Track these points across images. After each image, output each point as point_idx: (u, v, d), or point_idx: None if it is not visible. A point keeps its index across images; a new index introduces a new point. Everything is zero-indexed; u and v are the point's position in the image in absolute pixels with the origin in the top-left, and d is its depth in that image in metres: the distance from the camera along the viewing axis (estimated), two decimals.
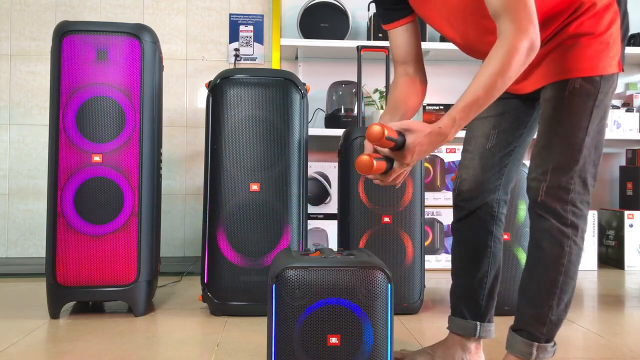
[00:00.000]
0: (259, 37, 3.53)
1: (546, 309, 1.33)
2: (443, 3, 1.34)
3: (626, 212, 3.31)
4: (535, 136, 1.38)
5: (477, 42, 1.38)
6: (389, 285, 1.31)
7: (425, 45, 3.21)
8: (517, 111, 1.46)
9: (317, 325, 1.29)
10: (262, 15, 3.54)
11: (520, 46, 1.13)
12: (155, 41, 2.19)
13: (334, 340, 1.30)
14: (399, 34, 1.46)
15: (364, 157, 1.13)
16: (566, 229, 1.30)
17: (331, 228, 3.14)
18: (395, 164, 1.17)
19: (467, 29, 1.36)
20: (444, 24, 1.41)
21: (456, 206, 1.54)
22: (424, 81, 1.49)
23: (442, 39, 3.29)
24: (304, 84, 2.26)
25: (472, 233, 1.51)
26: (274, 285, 1.30)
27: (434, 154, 3.23)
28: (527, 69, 1.27)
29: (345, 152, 2.23)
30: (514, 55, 1.13)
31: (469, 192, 1.49)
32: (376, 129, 1.10)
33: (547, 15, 1.28)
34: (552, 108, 1.30)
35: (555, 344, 1.38)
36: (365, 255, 1.43)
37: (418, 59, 1.48)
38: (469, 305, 1.53)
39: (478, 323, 1.53)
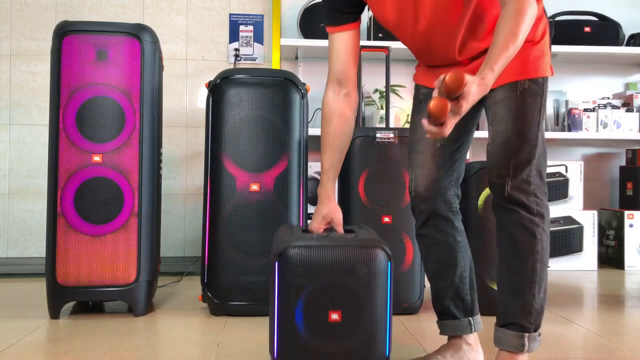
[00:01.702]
0: (259, 37, 3.54)
1: (530, 298, 1.37)
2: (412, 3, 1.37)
3: (626, 212, 3.31)
4: (490, 135, 1.42)
5: (437, 43, 1.42)
6: (389, 263, 1.34)
7: None
8: None
9: (319, 302, 1.32)
10: (262, 15, 3.54)
11: (526, 6, 1.21)
12: (155, 41, 2.19)
13: (335, 316, 1.32)
14: (342, 40, 1.49)
15: (439, 100, 1.11)
16: (534, 217, 1.37)
17: None
18: (450, 114, 1.19)
19: (432, 26, 1.39)
20: (398, 23, 1.44)
21: (416, 209, 1.56)
22: (357, 96, 1.55)
23: None
24: (304, 84, 2.26)
25: (441, 233, 1.54)
26: (276, 263, 1.32)
27: None
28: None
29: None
30: (524, 10, 1.21)
31: (426, 192, 1.52)
32: (455, 75, 1.10)
33: (495, 20, 1.35)
34: (507, 108, 1.38)
35: (540, 333, 1.41)
36: (366, 232, 1.45)
37: (355, 72, 1.52)
38: (457, 305, 1.55)
39: (470, 319, 1.55)
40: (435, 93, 1.15)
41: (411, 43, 1.49)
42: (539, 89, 1.39)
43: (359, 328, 1.33)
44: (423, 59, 1.55)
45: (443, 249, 1.54)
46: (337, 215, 1.52)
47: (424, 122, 1.16)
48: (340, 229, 1.52)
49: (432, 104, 1.12)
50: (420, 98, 1.56)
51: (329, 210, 1.52)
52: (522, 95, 1.38)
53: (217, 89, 2.20)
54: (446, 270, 1.54)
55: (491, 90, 1.39)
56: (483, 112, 1.52)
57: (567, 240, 3.23)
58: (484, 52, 1.36)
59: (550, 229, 2.94)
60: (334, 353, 1.34)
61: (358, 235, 1.42)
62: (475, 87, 1.15)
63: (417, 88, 1.59)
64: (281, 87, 2.21)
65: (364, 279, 1.32)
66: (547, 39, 1.43)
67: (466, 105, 1.15)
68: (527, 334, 1.38)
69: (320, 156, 1.55)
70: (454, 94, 1.12)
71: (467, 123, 1.52)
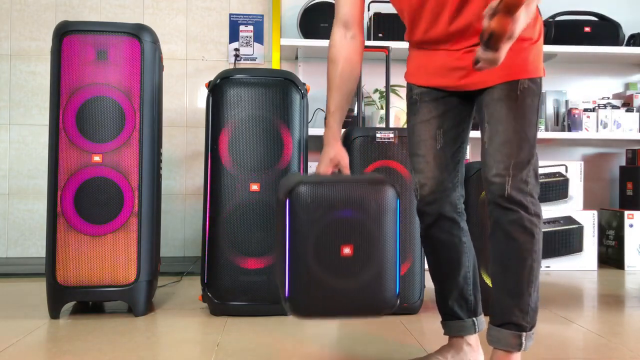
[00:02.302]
0: (259, 37, 3.54)
1: (527, 298, 1.38)
2: None
3: (626, 212, 3.31)
4: (487, 134, 1.40)
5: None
6: (398, 200, 1.35)
7: None
8: (457, 109, 1.50)
9: (331, 238, 1.32)
10: (262, 15, 3.54)
11: None
12: (155, 41, 2.19)
13: (347, 250, 1.33)
14: None
15: (501, 18, 1.13)
16: (532, 217, 1.37)
17: None
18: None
19: None
20: None
21: (422, 212, 1.55)
22: (363, 40, 1.54)
23: None
24: (304, 84, 2.26)
25: (446, 234, 1.53)
26: (287, 200, 1.32)
27: None
28: (469, 67, 1.37)
29: None
30: None
31: (431, 195, 1.51)
32: None
33: None
34: (506, 107, 1.37)
35: (534, 331, 1.42)
36: (374, 174, 1.47)
37: (361, 15, 1.51)
38: (461, 305, 1.55)
39: (474, 319, 1.55)
40: (486, 22, 1.15)
41: (407, 2, 1.46)
42: (537, 89, 1.39)
43: (369, 263, 1.33)
44: (414, 27, 1.49)
45: (448, 250, 1.53)
46: (344, 158, 1.50)
47: (479, 50, 1.18)
48: (347, 171, 1.50)
49: (495, 22, 1.13)
50: (415, 99, 1.54)
51: (335, 152, 1.49)
52: (522, 95, 1.37)
53: (217, 89, 2.20)
54: (451, 271, 1.54)
55: (489, 88, 1.40)
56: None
57: (567, 240, 3.23)
58: (473, 35, 1.36)
59: (550, 229, 2.94)
60: (345, 289, 1.33)
61: (366, 176, 1.42)
62: (521, 15, 1.16)
63: (410, 88, 1.56)
64: (281, 87, 2.21)
65: (375, 215, 1.32)
66: (542, 38, 1.43)
67: (518, 30, 1.16)
68: (524, 333, 1.38)
69: (327, 99, 1.52)
70: (514, 9, 1.13)
71: (464, 121, 1.52)
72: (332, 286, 1.33)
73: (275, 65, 3.34)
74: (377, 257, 1.34)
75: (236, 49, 3.51)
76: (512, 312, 1.38)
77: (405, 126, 3.65)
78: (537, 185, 1.39)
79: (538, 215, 1.38)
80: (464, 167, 1.56)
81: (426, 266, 2.42)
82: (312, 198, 1.32)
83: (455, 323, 1.56)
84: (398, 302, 1.36)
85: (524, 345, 1.38)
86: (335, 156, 1.49)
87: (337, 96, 1.50)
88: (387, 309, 1.36)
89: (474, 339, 1.56)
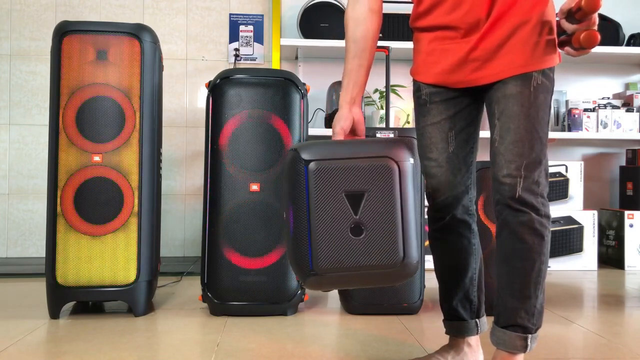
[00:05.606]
0: (259, 37, 3.54)
1: (533, 300, 1.36)
2: None
3: (626, 212, 3.31)
4: (498, 132, 1.36)
5: None
6: (305, 167, 1.27)
7: None
8: (468, 109, 1.46)
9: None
10: (262, 15, 3.54)
11: None
12: (155, 41, 2.19)
13: (284, 215, 1.37)
14: None
15: (592, 32, 1.26)
16: (542, 219, 1.34)
17: None
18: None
19: None
20: None
21: (434, 216, 1.53)
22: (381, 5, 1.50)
23: None
24: (304, 84, 2.26)
25: (456, 235, 1.52)
26: None
27: None
28: (483, 58, 1.34)
29: None
30: None
31: (444, 201, 1.48)
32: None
33: None
34: (519, 104, 1.33)
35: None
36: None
37: None
38: (465, 306, 1.54)
39: (476, 320, 1.55)
40: (566, 25, 1.26)
41: None
42: (549, 84, 1.35)
43: (283, 231, 1.34)
44: (436, 6, 1.41)
45: (458, 251, 1.52)
46: (337, 124, 1.46)
47: (570, 50, 1.33)
48: (337, 137, 1.46)
49: (588, 37, 1.27)
50: (424, 99, 1.48)
51: (335, 119, 1.48)
52: (536, 91, 1.33)
53: (217, 89, 2.20)
54: (458, 273, 1.53)
55: (500, 83, 1.35)
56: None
57: (567, 240, 3.23)
58: (497, 20, 1.32)
59: (551, 229, 2.94)
60: (289, 252, 1.37)
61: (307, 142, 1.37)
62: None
63: (418, 87, 1.51)
64: (281, 87, 2.21)
65: (284, 181, 1.31)
66: (555, 24, 1.38)
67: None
68: (530, 335, 1.37)
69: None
70: (594, 11, 1.25)
71: (475, 121, 1.48)
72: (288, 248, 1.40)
73: (275, 65, 3.34)
74: (283, 226, 1.34)
75: (236, 49, 3.51)
76: (518, 314, 1.36)
77: (405, 126, 3.66)
78: (547, 185, 1.36)
79: (548, 216, 1.35)
80: (475, 169, 1.53)
81: (427, 266, 2.42)
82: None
83: (457, 323, 1.55)
84: (299, 291, 1.32)
85: (529, 347, 1.37)
86: (333, 123, 1.48)
87: (348, 59, 1.48)
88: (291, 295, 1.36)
89: (474, 340, 1.56)
